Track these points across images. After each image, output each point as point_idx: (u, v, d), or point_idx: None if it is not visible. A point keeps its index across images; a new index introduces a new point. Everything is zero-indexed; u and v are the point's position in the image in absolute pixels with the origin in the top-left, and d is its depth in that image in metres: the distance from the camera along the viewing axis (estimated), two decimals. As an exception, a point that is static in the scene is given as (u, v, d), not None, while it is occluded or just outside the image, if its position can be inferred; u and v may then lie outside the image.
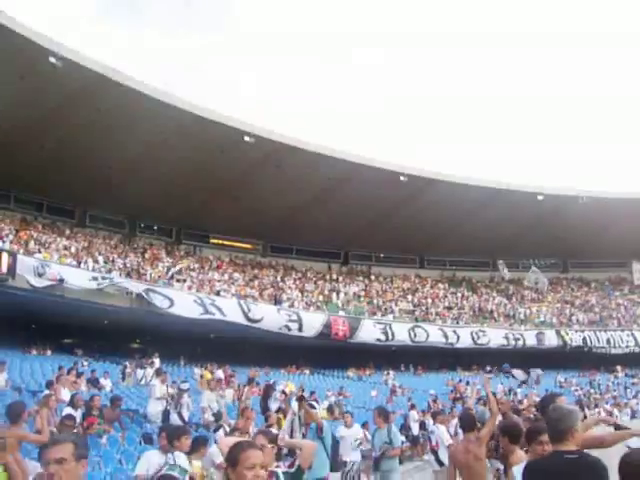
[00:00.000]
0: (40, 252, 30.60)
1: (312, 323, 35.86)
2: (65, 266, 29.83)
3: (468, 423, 8.15)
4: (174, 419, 14.79)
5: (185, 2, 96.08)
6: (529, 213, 43.15)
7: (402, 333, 38.50)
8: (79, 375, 20.87)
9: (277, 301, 37.92)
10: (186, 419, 15.13)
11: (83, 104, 30.79)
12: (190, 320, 30.95)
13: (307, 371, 36.39)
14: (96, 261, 33.03)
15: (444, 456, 11.57)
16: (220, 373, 25.79)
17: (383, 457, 11.34)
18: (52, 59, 27.66)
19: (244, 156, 35.55)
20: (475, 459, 7.56)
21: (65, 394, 15.26)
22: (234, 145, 34.45)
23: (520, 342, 41.18)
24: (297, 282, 42.80)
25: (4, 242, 29.16)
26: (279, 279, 42.42)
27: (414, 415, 21.32)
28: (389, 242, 45.58)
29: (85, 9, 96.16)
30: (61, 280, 28.04)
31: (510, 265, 47.21)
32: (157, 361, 27.90)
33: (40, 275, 27.83)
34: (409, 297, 45.23)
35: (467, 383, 32.20)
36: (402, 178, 39.09)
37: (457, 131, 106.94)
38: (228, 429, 10.81)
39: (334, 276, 45.95)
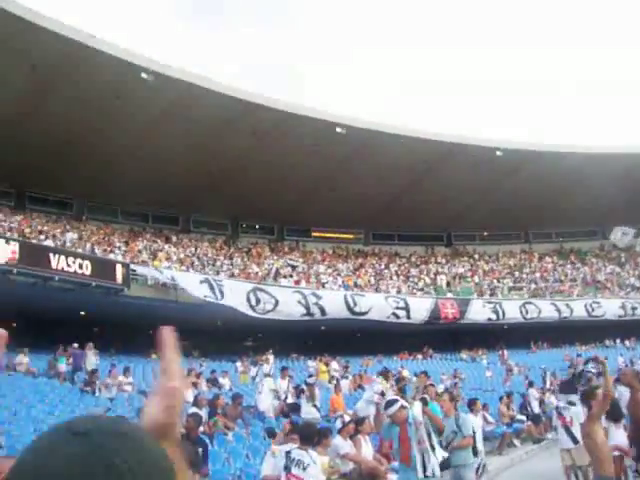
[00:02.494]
0: (150, 260, 31.82)
1: (420, 308, 35.66)
2: (177, 272, 30.87)
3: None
4: (308, 412, 15.14)
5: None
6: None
7: (513, 310, 37.73)
8: (198, 375, 21.53)
9: (383, 289, 37.94)
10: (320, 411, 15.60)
11: (177, 115, 31.75)
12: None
13: (419, 356, 36.28)
14: (204, 264, 34.03)
15: (578, 433, 10.42)
16: (335, 365, 26.05)
17: (452, 450, 10.01)
18: (144, 75, 28.61)
19: (338, 147, 35.72)
20: (587, 436, 7.46)
21: (189, 395, 15.79)
22: (327, 137, 34.67)
23: (638, 311, 39.51)
24: (402, 268, 42.68)
25: (116, 255, 30.44)
26: (383, 266, 42.42)
27: (534, 393, 20.95)
28: (492, 220, 44.68)
29: (165, 19, 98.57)
30: (174, 283, 29.06)
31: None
32: (271, 357, 28.43)
33: (154, 281, 29.00)
34: (517, 274, 44.29)
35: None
36: (498, 153, 38.28)
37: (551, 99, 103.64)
38: (347, 418, 10.96)
39: (438, 259, 45.53)
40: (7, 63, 26.99)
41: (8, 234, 27.32)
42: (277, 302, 31.76)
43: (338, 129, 34.42)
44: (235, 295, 30.82)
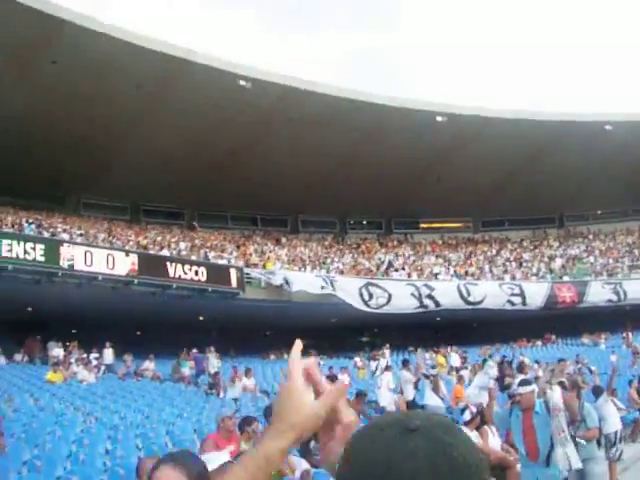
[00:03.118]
0: (262, 262, 32.50)
1: (536, 294, 34.70)
2: (289, 272, 31.37)
3: None
4: (432, 400, 15.29)
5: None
6: None
7: (635, 291, 36.05)
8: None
9: (497, 276, 37.24)
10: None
11: (278, 119, 32.26)
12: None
13: (539, 343, 35.32)
14: (315, 263, 34.43)
15: None
16: (455, 356, 25.78)
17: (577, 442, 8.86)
18: (242, 82, 29.22)
19: (440, 135, 35.29)
20: None
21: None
22: (428, 127, 34.34)
23: None
24: (514, 253, 41.71)
25: (229, 259, 31.23)
26: (495, 253, 41.61)
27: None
28: (605, 197, 42.86)
29: (251, 26, 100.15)
30: (287, 282, 29.54)
31: None
32: (387, 352, 28.45)
33: (268, 280, 29.60)
34: (636, 252, 42.35)
35: None
36: (607, 127, 36.78)
37: None
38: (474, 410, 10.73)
39: (551, 242, 44.20)
40: (112, 84, 28.19)
41: (127, 247, 28.54)
42: (390, 296, 31.75)
43: (439, 118, 34.04)
44: (348, 291, 31.03)
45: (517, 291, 34.22)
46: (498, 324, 33.24)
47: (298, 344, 1.29)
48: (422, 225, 44.88)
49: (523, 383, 7.90)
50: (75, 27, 25.48)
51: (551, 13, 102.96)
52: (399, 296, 31.93)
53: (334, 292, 30.51)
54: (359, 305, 30.92)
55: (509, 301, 33.70)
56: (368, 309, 31.15)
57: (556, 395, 8.17)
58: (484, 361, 17.36)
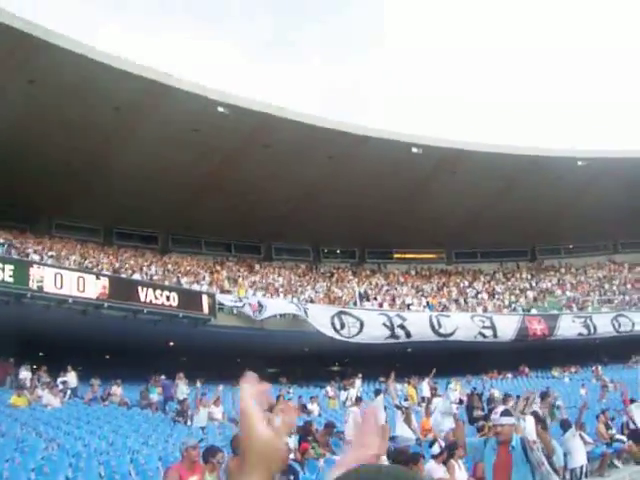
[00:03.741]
0: (234, 288, 32.36)
1: (507, 327, 34.90)
2: (262, 298, 31.26)
3: None
4: (403, 431, 15.11)
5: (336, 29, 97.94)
6: None
7: (605, 325, 36.40)
8: (287, 402, 21.55)
9: (469, 307, 37.39)
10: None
11: (254, 146, 32.35)
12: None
13: (509, 375, 35.41)
14: (287, 291, 34.34)
15: None
16: (425, 387, 25.69)
17: None
18: (220, 108, 29.28)
19: (415, 167, 35.56)
20: None
21: (276, 421, 15.80)
22: (404, 158, 34.57)
23: None
24: (486, 285, 41.97)
25: (201, 285, 31.04)
26: (467, 284, 41.82)
27: (634, 410, 20.04)
28: (576, 231, 43.43)
29: (235, 56, 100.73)
30: (261, 307, 29.43)
31: None
32: (358, 382, 28.34)
33: (239, 308, 29.43)
34: (606, 286, 42.81)
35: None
36: (580, 163, 37.32)
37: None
38: (442, 443, 10.67)
39: (524, 275, 44.56)
40: (90, 105, 28.10)
41: (98, 269, 28.27)
42: (362, 324, 31.79)
43: (414, 149, 34.30)
44: (319, 320, 30.98)
45: (488, 324, 34.39)
46: (469, 355, 33.30)
47: (250, 376, 1.36)
48: (395, 255, 45.04)
49: (505, 413, 7.33)
50: (53, 47, 25.40)
51: (528, 47, 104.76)
52: (371, 325, 31.97)
53: (307, 318, 30.52)
54: (331, 333, 30.87)
55: (480, 333, 33.85)
56: (340, 337, 31.10)
57: (529, 425, 8.12)
58: (447, 384, 16.82)
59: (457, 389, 16.88)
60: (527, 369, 35.93)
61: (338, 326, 31.35)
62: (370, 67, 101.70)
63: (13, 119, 27.82)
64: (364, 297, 36.36)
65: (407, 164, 35.11)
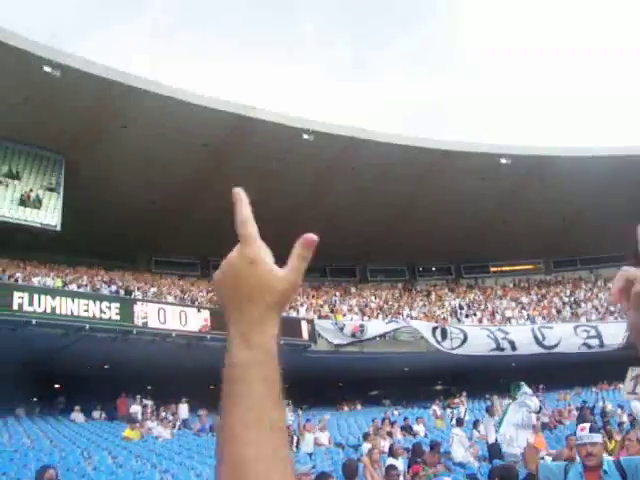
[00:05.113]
0: (333, 313, 32.50)
1: (614, 335, 33.51)
2: (362, 321, 31.33)
3: None
4: (509, 451, 14.59)
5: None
6: None
7: None
8: (392, 424, 21.41)
9: (573, 317, 36.22)
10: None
11: (341, 169, 32.59)
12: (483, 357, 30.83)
13: (621, 385, 33.93)
14: (386, 312, 34.23)
15: None
16: (534, 402, 24.96)
17: None
18: (305, 135, 29.69)
19: (505, 178, 34.94)
20: None
21: (384, 445, 15.72)
22: (492, 169, 34.05)
23: None
24: (589, 294, 40.56)
25: (299, 312, 31.31)
26: (569, 294, 40.56)
27: None
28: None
29: (315, 81, 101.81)
30: (362, 328, 29.46)
31: None
32: (464, 399, 27.87)
33: (341, 330, 29.51)
34: None
35: None
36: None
37: None
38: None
39: (630, 279, 42.78)
40: (181, 144, 29.03)
41: (198, 301, 28.95)
42: (466, 336, 31.49)
43: (502, 160, 33.75)
44: (422, 331, 31.23)
45: (593, 333, 33.16)
46: (576, 367, 32.22)
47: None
48: (492, 269, 44.19)
49: (594, 429, 6.04)
50: (142, 92, 26.44)
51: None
52: (475, 337, 31.63)
53: (409, 324, 30.59)
54: (433, 342, 30.75)
55: (585, 344, 32.66)
56: (442, 348, 30.82)
57: None
58: (516, 387, 13.72)
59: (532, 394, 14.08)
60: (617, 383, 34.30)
61: (440, 337, 31.25)
62: (446, 81, 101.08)
63: (110, 162, 29.07)
64: (463, 311, 35.85)
65: (496, 175, 34.54)
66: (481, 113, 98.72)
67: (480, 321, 34.68)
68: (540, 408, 14.49)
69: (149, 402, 24.33)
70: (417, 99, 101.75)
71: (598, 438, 5.84)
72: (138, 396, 24.22)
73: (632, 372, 10.77)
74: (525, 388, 13.52)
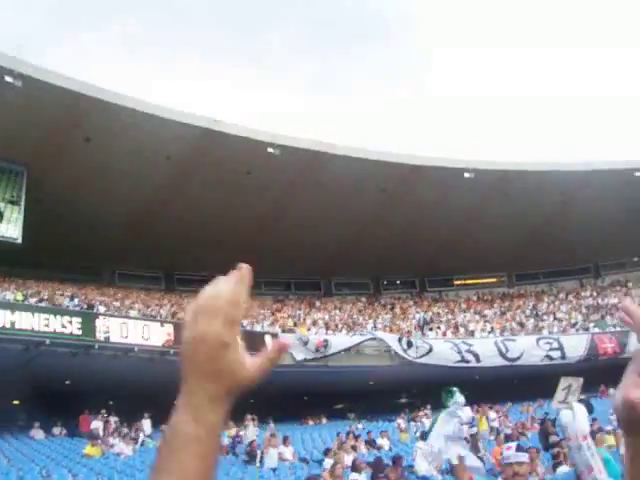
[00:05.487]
0: (296, 326, 32.45)
1: (575, 346, 33.97)
2: (326, 335, 31.32)
3: None
4: (473, 462, 14.60)
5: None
6: None
7: (680, 339, 35.08)
8: (356, 438, 21.40)
9: (535, 329, 36.58)
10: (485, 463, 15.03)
11: (306, 184, 32.64)
12: (447, 368, 30.99)
13: (582, 396, 34.31)
14: (350, 325, 34.27)
15: None
16: (493, 415, 25.23)
17: None
18: (270, 149, 29.71)
19: (468, 193, 35.29)
20: None
21: (348, 459, 15.67)
22: (456, 184, 34.37)
23: None
24: (551, 306, 41.03)
25: (263, 326, 31.20)
26: (531, 307, 40.98)
27: None
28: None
29: (281, 98, 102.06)
30: (325, 343, 29.44)
31: None
32: (429, 412, 27.93)
33: (305, 344, 29.45)
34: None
35: None
36: (637, 174, 36.38)
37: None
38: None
39: (588, 292, 43.41)
40: (144, 157, 28.87)
41: (162, 315, 28.70)
42: (431, 347, 31.77)
43: (466, 174, 34.10)
44: (388, 340, 31.71)
45: (556, 345, 33.56)
46: (538, 379, 32.51)
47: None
48: (456, 282, 44.57)
49: (521, 449, 6.07)
50: (106, 104, 26.25)
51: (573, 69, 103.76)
52: (439, 349, 31.93)
53: (374, 335, 31.24)
54: (399, 350, 31.04)
55: (547, 356, 33.03)
56: (407, 357, 30.99)
57: (580, 415, 7.42)
58: (448, 394, 13.03)
59: (461, 403, 12.93)
60: (611, 390, 34.68)
61: (405, 346, 31.56)
62: (412, 95, 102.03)
63: (72, 176, 28.77)
64: (427, 323, 36.04)
65: (460, 189, 34.88)
66: (447, 127, 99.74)
67: (444, 334, 34.89)
68: (472, 419, 13.52)
69: (114, 418, 24.02)
70: (383, 112, 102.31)
71: (524, 457, 5.82)
72: (103, 411, 23.90)
73: (564, 382, 10.30)
74: (457, 396, 12.78)
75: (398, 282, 44.23)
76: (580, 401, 8.54)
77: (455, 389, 13.03)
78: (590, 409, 9.96)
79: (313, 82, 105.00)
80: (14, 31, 79.74)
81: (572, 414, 8.42)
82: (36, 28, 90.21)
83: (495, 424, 23.53)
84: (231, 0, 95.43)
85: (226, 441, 22.83)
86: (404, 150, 34.58)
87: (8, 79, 23.56)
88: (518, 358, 32.59)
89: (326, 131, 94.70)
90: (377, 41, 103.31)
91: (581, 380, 10.98)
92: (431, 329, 35.60)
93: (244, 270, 1.10)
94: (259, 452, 18.94)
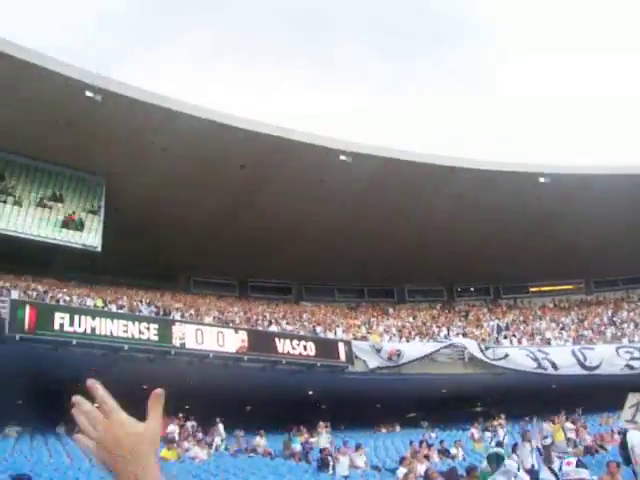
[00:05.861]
0: (369, 333, 32.41)
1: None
2: (399, 344, 31.17)
3: None
4: (545, 476, 14.31)
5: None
6: None
7: None
8: (429, 447, 21.24)
9: (614, 337, 35.53)
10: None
11: (377, 190, 32.61)
12: (523, 375, 30.47)
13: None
14: (423, 333, 34.03)
15: None
16: (570, 425, 24.60)
17: None
18: (342, 157, 29.84)
19: (544, 197, 34.52)
20: None
21: (421, 469, 15.58)
22: (532, 188, 33.70)
23: None
24: (632, 314, 39.73)
25: (336, 333, 31.30)
26: (610, 314, 39.81)
27: None
28: None
29: (349, 103, 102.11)
30: (399, 352, 29.30)
31: None
32: (503, 422, 27.52)
33: (378, 352, 29.39)
34: None
35: None
36: None
37: None
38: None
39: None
40: (219, 166, 29.41)
41: (236, 322, 29.13)
42: (507, 354, 31.38)
43: (541, 179, 33.42)
44: (466, 343, 31.93)
45: (637, 355, 32.47)
46: (618, 389, 31.54)
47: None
48: (532, 289, 43.71)
49: (580, 464, 5.94)
50: (180, 115, 26.88)
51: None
52: (516, 355, 31.49)
53: (450, 340, 31.40)
54: (477, 353, 31.07)
55: (628, 365, 32.00)
56: (485, 359, 30.94)
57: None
58: (493, 458, 10.59)
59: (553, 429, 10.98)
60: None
61: (483, 347, 31.69)
62: (485, 100, 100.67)
63: (149, 185, 29.58)
64: (502, 330, 35.44)
65: (536, 194, 34.20)
66: (519, 130, 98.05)
67: (519, 342, 34.26)
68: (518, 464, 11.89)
69: (191, 423, 24.44)
70: (453, 117, 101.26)
71: (585, 474, 5.74)
72: (180, 416, 24.37)
73: (633, 399, 9.47)
74: (508, 464, 10.57)
75: (472, 289, 43.70)
76: None
77: (503, 453, 10.59)
78: None
79: (382, 86, 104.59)
80: (93, 47, 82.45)
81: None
82: (113, 43, 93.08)
83: (572, 435, 22.91)
84: (299, 7, 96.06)
85: (298, 448, 23.05)
86: (475, 155, 34.23)
87: (89, 94, 24.36)
88: (597, 367, 31.71)
89: (396, 134, 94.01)
90: (447, 45, 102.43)
91: None
92: (505, 337, 34.99)
93: (157, 398, 1.38)
94: (331, 459, 18.99)
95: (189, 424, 24.38)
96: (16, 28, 69.71)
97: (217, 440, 23.81)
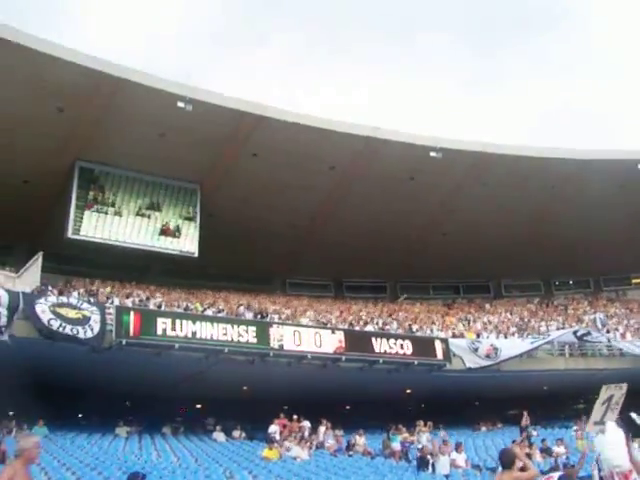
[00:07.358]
0: (466, 330, 32.03)
1: None
2: (496, 340, 30.63)
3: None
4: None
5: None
6: None
7: None
8: (531, 445, 20.85)
9: None
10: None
11: (469, 185, 32.25)
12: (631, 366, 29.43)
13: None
14: (521, 328, 33.37)
15: None
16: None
17: None
18: (432, 153, 29.62)
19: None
20: None
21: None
22: (631, 177, 32.51)
23: None
24: None
25: (432, 330, 31.09)
26: None
27: None
28: None
29: (436, 97, 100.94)
30: (495, 350, 28.81)
31: None
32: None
33: (475, 351, 28.97)
34: None
35: None
36: None
37: None
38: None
39: None
40: (309, 168, 29.80)
41: (332, 322, 29.38)
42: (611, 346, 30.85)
43: (640, 165, 32.22)
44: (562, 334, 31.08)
45: None
46: None
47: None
48: (635, 280, 42.13)
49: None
50: (270, 120, 27.37)
51: None
52: (625, 347, 30.49)
53: (547, 336, 30.61)
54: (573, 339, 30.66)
55: None
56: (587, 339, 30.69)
57: (611, 437, 6.48)
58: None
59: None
60: None
61: (583, 332, 31.10)
62: (578, 85, 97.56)
63: (242, 189, 30.27)
64: (604, 325, 34.29)
65: (634, 182, 32.99)
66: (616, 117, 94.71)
67: (623, 336, 33.09)
68: None
69: (307, 423, 24.68)
70: (544, 107, 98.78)
71: None
72: (295, 416, 24.72)
73: (604, 393, 8.06)
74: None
75: (571, 282, 42.54)
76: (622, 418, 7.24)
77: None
78: (636, 428, 8.34)
79: (472, 81, 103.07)
80: (182, 58, 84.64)
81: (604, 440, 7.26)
82: (201, 53, 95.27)
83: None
84: (383, 9, 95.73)
85: (398, 447, 23.02)
86: (569, 144, 33.38)
87: (180, 104, 25.14)
88: None
89: (487, 128, 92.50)
90: (537, 38, 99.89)
91: (625, 387, 9.19)
92: (608, 331, 33.87)
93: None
94: (430, 458, 18.90)
95: (307, 424, 24.48)
96: (110, 45, 72.46)
97: (317, 440, 23.95)
